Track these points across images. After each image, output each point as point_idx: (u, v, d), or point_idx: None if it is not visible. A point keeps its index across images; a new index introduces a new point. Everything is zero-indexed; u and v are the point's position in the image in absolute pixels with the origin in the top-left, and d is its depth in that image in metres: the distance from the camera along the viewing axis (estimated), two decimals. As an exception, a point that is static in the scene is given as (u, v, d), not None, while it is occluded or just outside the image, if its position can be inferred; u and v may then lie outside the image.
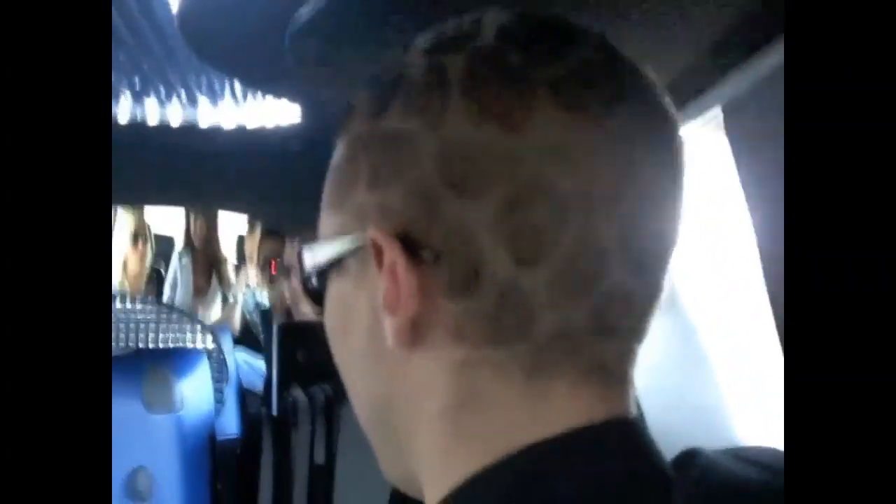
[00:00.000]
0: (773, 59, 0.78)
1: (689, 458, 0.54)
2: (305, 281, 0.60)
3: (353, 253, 0.55)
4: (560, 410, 0.52)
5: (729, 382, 1.27)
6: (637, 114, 0.52)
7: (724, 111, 0.91)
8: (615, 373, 0.54)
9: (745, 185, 0.88)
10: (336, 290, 0.58)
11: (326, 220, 0.58)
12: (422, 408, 0.54)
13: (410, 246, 0.51)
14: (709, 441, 0.58)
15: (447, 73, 0.52)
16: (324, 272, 0.58)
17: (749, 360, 1.27)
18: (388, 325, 0.52)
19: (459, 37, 0.53)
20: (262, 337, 3.78)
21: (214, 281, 4.07)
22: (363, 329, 0.56)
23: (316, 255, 0.58)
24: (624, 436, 0.53)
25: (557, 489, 0.50)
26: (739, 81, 0.85)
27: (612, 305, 0.52)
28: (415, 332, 0.52)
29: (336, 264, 0.56)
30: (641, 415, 1.31)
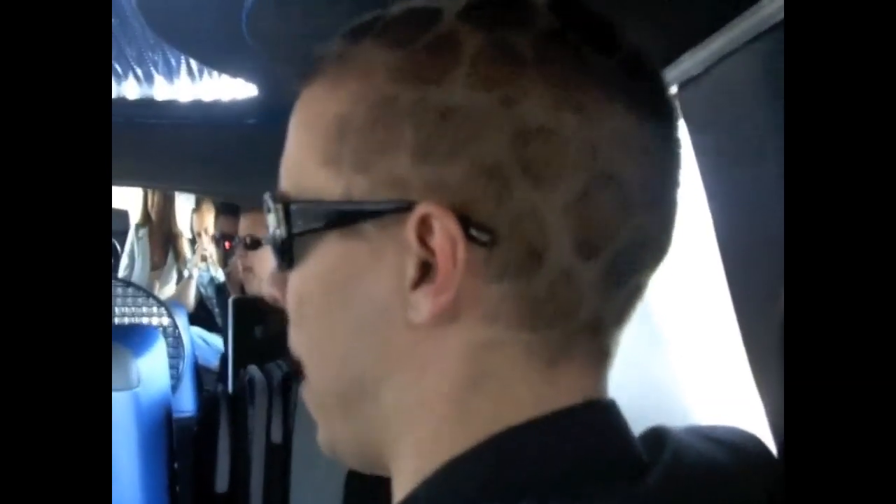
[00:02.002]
0: (729, 37, 0.78)
1: (659, 438, 0.55)
2: (287, 241, 0.57)
3: (377, 220, 0.52)
4: (562, 393, 0.53)
5: (683, 360, 1.28)
6: (670, 115, 0.55)
7: (680, 91, 0.91)
8: (610, 358, 0.56)
9: (701, 165, 0.88)
10: (335, 254, 0.55)
11: (322, 177, 0.54)
12: (423, 385, 0.54)
13: (466, 224, 0.50)
14: (662, 419, 0.58)
15: (518, 51, 0.51)
16: (318, 233, 0.55)
17: (703, 338, 1.28)
18: (426, 303, 0.51)
19: (512, 11, 0.52)
20: (217, 312, 3.76)
21: (171, 256, 4.04)
22: (372, 301, 0.54)
23: (312, 214, 0.55)
24: (603, 416, 0.54)
25: (536, 466, 0.51)
26: (695, 61, 0.85)
27: (632, 296, 0.55)
28: (448, 311, 0.52)
29: (343, 228, 0.54)
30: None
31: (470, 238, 0.50)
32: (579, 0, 0.55)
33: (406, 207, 0.51)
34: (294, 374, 0.61)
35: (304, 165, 0.56)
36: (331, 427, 0.61)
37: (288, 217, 0.56)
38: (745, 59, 0.77)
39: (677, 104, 0.91)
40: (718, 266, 0.88)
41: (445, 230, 0.50)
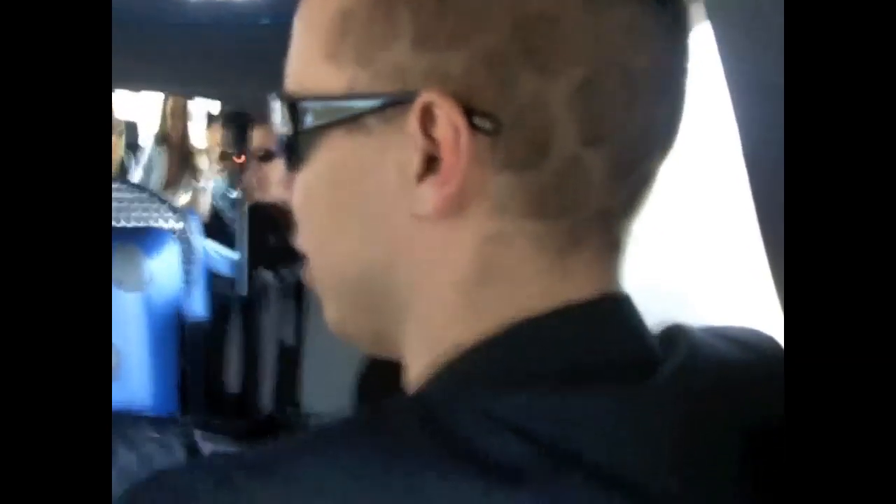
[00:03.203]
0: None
1: (675, 334, 0.55)
2: (294, 138, 0.56)
3: (380, 112, 0.52)
4: (574, 284, 0.53)
5: (700, 264, 1.28)
6: (677, 2, 0.54)
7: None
8: (622, 250, 0.55)
9: (728, 66, 0.87)
10: (341, 148, 0.54)
11: (326, 72, 0.54)
12: (435, 278, 0.53)
13: (470, 113, 0.49)
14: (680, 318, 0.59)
15: None
16: (319, 129, 0.55)
17: (723, 243, 1.27)
18: (432, 194, 0.51)
19: None
20: (231, 222, 3.77)
21: (187, 172, 4.05)
22: (379, 194, 0.53)
23: (317, 111, 0.55)
24: (619, 309, 0.54)
25: (553, 359, 0.51)
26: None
27: (640, 187, 0.54)
28: (455, 203, 0.51)
29: (348, 122, 0.53)
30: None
31: (474, 127, 0.50)
32: None
33: (408, 98, 0.51)
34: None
35: (307, 63, 0.55)
36: (339, 310, 0.60)
37: (293, 115, 0.56)
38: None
39: (701, 3, 0.90)
40: (741, 170, 0.87)
41: (448, 119, 0.50)
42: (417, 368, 0.55)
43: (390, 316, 0.56)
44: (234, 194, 3.79)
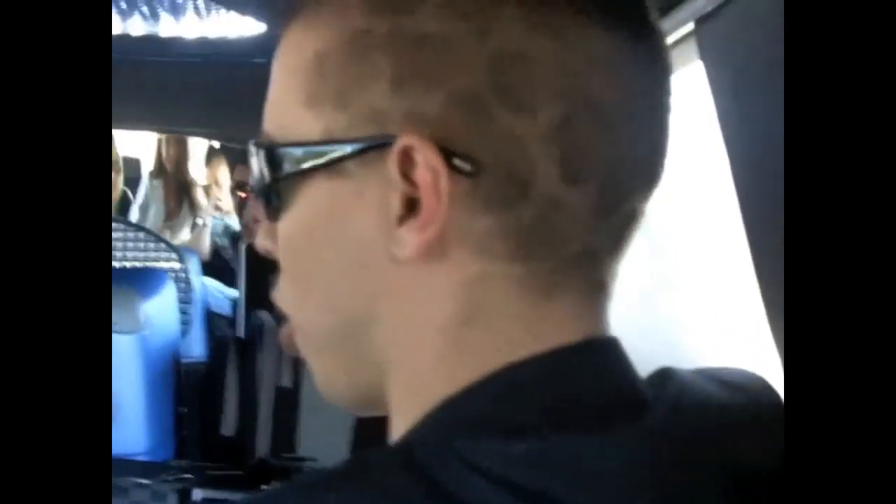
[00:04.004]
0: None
1: (664, 377, 0.53)
2: (272, 186, 0.55)
3: (359, 156, 0.51)
4: (559, 327, 0.52)
5: (696, 304, 1.27)
6: (654, 36, 0.54)
7: (696, 27, 0.88)
8: (608, 292, 0.55)
9: (718, 103, 0.85)
10: (320, 195, 0.54)
11: (305, 118, 0.53)
12: (418, 323, 0.53)
13: (449, 155, 0.49)
14: (673, 362, 0.57)
15: None
16: (302, 175, 0.54)
17: (717, 282, 1.26)
18: (412, 238, 0.50)
19: None
20: (231, 259, 3.77)
21: (185, 205, 4.05)
22: (358, 239, 0.53)
23: (295, 157, 0.54)
24: (605, 354, 0.53)
25: (537, 404, 0.50)
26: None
27: (624, 225, 0.53)
28: (437, 246, 0.50)
29: (326, 168, 0.53)
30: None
31: (453, 169, 0.49)
32: None
33: (387, 141, 0.50)
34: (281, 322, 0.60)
35: (285, 107, 0.55)
36: (327, 371, 0.59)
37: (272, 162, 0.55)
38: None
39: (694, 41, 0.89)
40: (735, 205, 0.86)
41: (427, 162, 0.49)
42: (403, 418, 0.54)
43: (375, 368, 0.55)
44: (235, 230, 3.80)
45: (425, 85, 0.49)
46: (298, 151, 0.54)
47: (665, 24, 0.95)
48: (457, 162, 0.49)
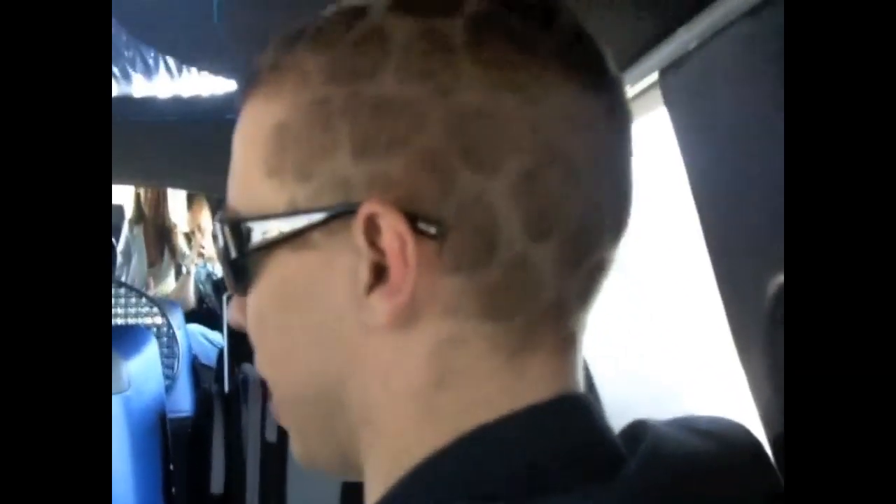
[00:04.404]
0: (709, 21, 0.76)
1: (639, 430, 0.53)
2: (239, 261, 0.55)
3: (324, 226, 0.51)
4: (531, 384, 0.52)
5: (679, 351, 1.27)
6: (615, 87, 0.54)
7: (661, 77, 0.89)
8: (577, 345, 0.55)
9: (684, 152, 0.86)
10: (287, 267, 0.53)
11: (267, 190, 0.53)
12: (390, 389, 0.52)
13: (414, 219, 0.49)
14: (657, 410, 0.57)
15: (448, 39, 0.49)
16: (268, 249, 0.54)
17: (697, 327, 1.26)
18: (383, 306, 0.50)
19: (441, 1, 0.51)
20: (215, 306, 3.75)
21: (167, 252, 4.03)
22: (328, 310, 0.52)
23: (260, 230, 0.53)
24: (578, 410, 0.53)
25: (509, 468, 0.50)
26: (675, 46, 0.83)
27: (592, 276, 0.53)
28: (407, 311, 0.50)
29: (292, 240, 0.52)
30: (591, 383, 1.32)
31: (419, 232, 0.49)
32: None
33: (350, 209, 0.50)
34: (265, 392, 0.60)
35: (248, 180, 0.55)
36: (304, 438, 0.59)
37: (237, 236, 0.55)
38: (726, 42, 0.75)
39: (659, 90, 0.90)
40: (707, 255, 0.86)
41: (392, 228, 0.48)
42: (379, 482, 0.54)
43: (351, 435, 0.55)
44: (218, 277, 3.78)
45: (386, 149, 0.49)
46: (263, 224, 0.53)
47: (630, 73, 0.96)
48: (422, 225, 0.49)
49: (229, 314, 0.61)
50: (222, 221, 0.55)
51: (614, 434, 0.53)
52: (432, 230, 0.49)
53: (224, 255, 0.56)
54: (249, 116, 0.55)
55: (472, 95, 0.49)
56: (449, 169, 0.48)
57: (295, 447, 0.60)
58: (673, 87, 0.88)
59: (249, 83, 0.56)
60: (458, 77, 0.49)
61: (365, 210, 0.49)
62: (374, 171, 0.49)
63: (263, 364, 0.58)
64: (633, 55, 0.92)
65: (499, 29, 0.50)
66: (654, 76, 0.91)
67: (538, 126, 0.49)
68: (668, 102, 0.88)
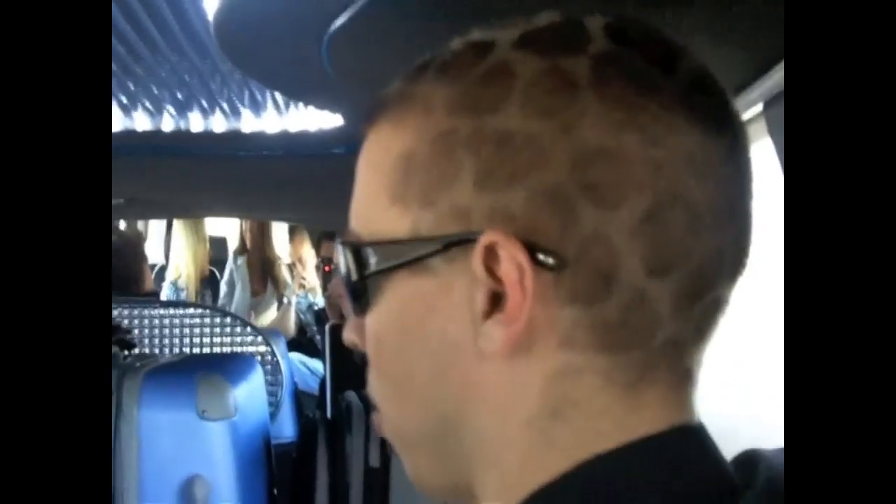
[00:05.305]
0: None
1: (752, 461, 0.54)
2: (359, 283, 0.57)
3: (444, 253, 0.52)
4: (646, 418, 0.52)
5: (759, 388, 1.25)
6: (736, 128, 0.54)
7: (765, 108, 0.89)
8: (693, 379, 0.55)
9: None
10: (406, 292, 0.55)
11: (390, 216, 0.54)
12: (505, 417, 0.53)
13: (533, 251, 0.50)
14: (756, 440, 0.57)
15: (573, 77, 0.50)
16: (388, 272, 0.55)
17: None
18: (499, 333, 0.51)
19: (567, 38, 0.52)
20: (318, 338, 3.80)
21: (270, 283, 4.10)
22: (445, 335, 0.53)
23: (381, 254, 0.55)
24: (693, 441, 0.54)
25: (626, 496, 0.50)
26: (780, 78, 0.83)
27: (709, 314, 0.53)
28: (523, 340, 0.51)
29: (412, 265, 0.54)
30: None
31: (538, 264, 0.50)
32: (635, 20, 0.54)
33: (471, 238, 0.51)
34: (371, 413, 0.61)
35: (372, 205, 0.56)
36: (416, 462, 0.60)
37: (358, 259, 0.56)
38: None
39: (763, 121, 0.90)
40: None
41: (511, 258, 0.50)
42: None
43: (466, 463, 0.56)
44: (319, 307, 3.83)
45: (508, 181, 0.50)
46: (385, 249, 0.55)
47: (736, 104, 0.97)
48: (541, 257, 0.50)
49: (344, 334, 0.63)
50: (344, 244, 0.57)
51: (728, 464, 0.54)
52: (551, 262, 0.50)
53: (346, 277, 0.57)
54: (375, 143, 0.57)
55: (596, 133, 0.49)
56: (570, 204, 0.49)
57: (407, 469, 0.61)
58: (777, 118, 0.88)
59: (376, 111, 0.57)
60: (581, 115, 0.50)
61: (485, 239, 0.50)
62: (495, 202, 0.50)
63: (378, 391, 0.59)
64: (739, 86, 0.92)
65: (623, 70, 0.51)
66: (759, 107, 0.91)
67: (660, 167, 0.50)
68: (773, 134, 0.88)
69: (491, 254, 0.50)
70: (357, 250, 0.56)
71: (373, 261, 0.55)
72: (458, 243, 0.52)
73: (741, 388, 1.30)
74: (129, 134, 1.62)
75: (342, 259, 0.58)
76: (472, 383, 0.54)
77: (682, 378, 0.54)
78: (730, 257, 0.53)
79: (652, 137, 0.50)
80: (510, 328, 0.50)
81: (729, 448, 0.55)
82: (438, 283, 0.53)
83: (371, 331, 0.58)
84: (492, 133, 0.51)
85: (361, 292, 0.57)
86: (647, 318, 0.51)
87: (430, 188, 0.52)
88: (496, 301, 0.51)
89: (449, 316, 0.53)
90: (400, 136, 0.55)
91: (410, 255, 0.53)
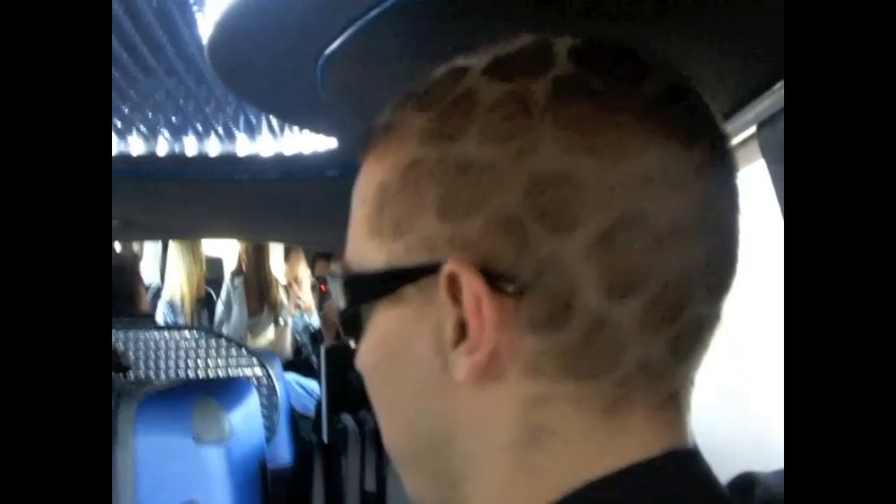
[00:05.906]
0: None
1: (747, 484, 0.54)
2: (348, 313, 0.58)
3: (414, 283, 0.53)
4: (631, 443, 0.52)
5: (765, 402, 1.25)
6: (711, 141, 0.53)
7: (758, 130, 0.89)
8: (682, 401, 0.54)
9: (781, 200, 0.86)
10: (387, 321, 0.55)
11: (370, 248, 0.55)
12: (487, 441, 0.53)
13: (492, 278, 0.50)
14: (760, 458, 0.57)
15: (530, 102, 0.50)
16: (370, 303, 0.56)
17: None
18: (464, 362, 0.51)
19: (530, 62, 0.52)
20: (313, 358, 3.80)
21: (266, 304, 4.10)
22: (422, 363, 0.54)
23: (363, 286, 0.56)
24: (687, 466, 0.53)
25: None
26: (773, 100, 0.83)
27: (689, 334, 0.52)
28: (490, 368, 0.51)
29: (389, 295, 0.54)
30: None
31: (497, 291, 0.50)
32: (610, 40, 0.54)
33: (434, 267, 0.51)
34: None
35: (356, 238, 0.57)
36: (412, 480, 0.60)
37: (346, 290, 0.57)
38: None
39: (756, 143, 0.90)
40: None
41: (469, 285, 0.50)
42: None
43: (457, 482, 0.56)
44: (315, 328, 3.82)
45: (467, 210, 0.50)
46: (368, 280, 0.55)
47: (727, 127, 0.96)
48: (500, 283, 0.50)
49: (357, 359, 0.63)
50: (333, 277, 0.58)
51: (723, 488, 0.53)
52: (509, 288, 0.50)
53: (339, 308, 0.58)
54: (363, 175, 0.57)
55: (550, 158, 0.49)
56: (523, 230, 0.49)
57: (406, 485, 0.61)
58: (770, 140, 0.88)
59: (366, 143, 0.58)
60: (536, 140, 0.49)
61: (447, 268, 0.50)
62: (455, 230, 0.51)
63: (374, 407, 0.60)
64: (732, 108, 0.92)
65: (581, 91, 0.50)
66: (752, 129, 0.91)
67: (615, 188, 0.49)
68: (766, 155, 0.88)
69: (453, 283, 0.50)
70: (346, 281, 0.57)
71: (358, 292, 0.57)
72: (426, 273, 0.52)
73: (740, 406, 1.29)
74: (125, 157, 1.62)
75: (335, 290, 0.58)
76: (452, 409, 0.54)
77: (667, 401, 0.53)
78: (708, 275, 0.52)
79: (608, 159, 0.49)
80: (473, 357, 0.51)
81: (727, 470, 0.55)
82: (414, 313, 0.54)
83: (362, 360, 0.58)
84: (452, 162, 0.51)
85: (352, 322, 0.58)
86: (611, 343, 0.50)
87: (401, 219, 0.53)
88: (463, 330, 0.51)
89: (423, 344, 0.53)
90: (380, 167, 0.55)
91: (388, 286, 0.54)
